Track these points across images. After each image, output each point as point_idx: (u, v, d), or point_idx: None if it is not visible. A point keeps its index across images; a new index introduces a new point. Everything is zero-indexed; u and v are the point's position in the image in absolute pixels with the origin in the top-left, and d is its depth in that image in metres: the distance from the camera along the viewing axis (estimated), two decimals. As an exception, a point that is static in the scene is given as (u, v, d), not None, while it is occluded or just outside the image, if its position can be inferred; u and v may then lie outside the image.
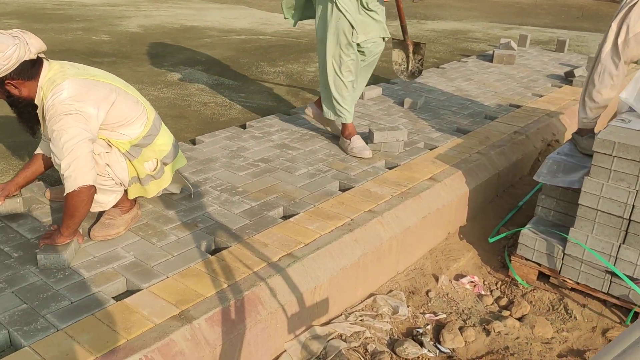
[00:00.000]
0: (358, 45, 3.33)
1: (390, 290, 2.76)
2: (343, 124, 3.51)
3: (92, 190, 2.23)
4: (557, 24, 9.20)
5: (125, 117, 2.37)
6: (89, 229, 2.46)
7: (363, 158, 3.39)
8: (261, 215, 2.72)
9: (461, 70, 5.67)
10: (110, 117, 2.32)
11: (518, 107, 4.47)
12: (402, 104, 4.46)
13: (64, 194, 2.23)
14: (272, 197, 2.90)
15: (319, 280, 2.37)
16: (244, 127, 3.98)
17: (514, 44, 6.10)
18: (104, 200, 2.44)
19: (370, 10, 3.30)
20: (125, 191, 2.54)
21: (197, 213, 2.72)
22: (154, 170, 2.56)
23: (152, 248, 2.41)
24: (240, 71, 5.71)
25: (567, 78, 5.24)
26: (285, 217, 2.76)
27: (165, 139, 2.58)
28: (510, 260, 2.94)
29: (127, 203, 2.56)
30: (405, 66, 3.89)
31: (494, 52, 5.88)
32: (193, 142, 3.70)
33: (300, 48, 6.86)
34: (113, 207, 2.50)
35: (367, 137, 3.57)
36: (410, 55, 3.86)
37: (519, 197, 3.61)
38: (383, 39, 3.46)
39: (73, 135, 2.18)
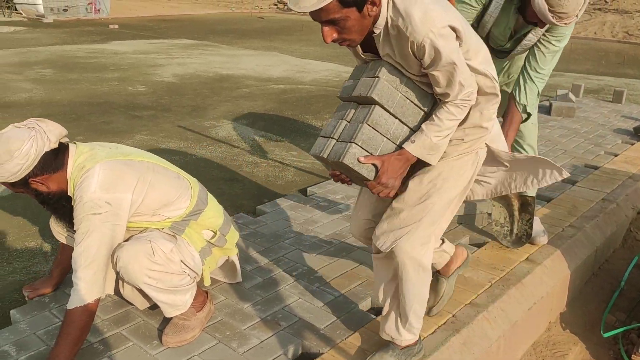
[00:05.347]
0: None
1: (499, 399, 2.38)
2: None
3: (96, 305, 1.94)
4: (600, 70, 8.93)
5: (166, 197, 2.08)
6: (160, 333, 2.14)
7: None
8: (349, 309, 2.38)
9: (519, 124, 5.34)
10: (150, 200, 2.03)
11: (595, 168, 4.13)
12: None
13: (67, 308, 1.90)
14: (356, 285, 2.56)
15: (431, 397, 2.01)
16: (304, 193, 3.68)
17: (572, 96, 5.79)
18: (182, 302, 2.11)
19: None
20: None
21: (276, 307, 2.38)
22: (213, 238, 2.25)
23: (234, 356, 2.07)
24: (286, 125, 5.45)
25: (637, 134, 4.90)
26: (375, 311, 2.42)
27: (213, 211, 2.27)
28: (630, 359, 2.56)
29: (200, 297, 2.23)
30: (509, 228, 2.96)
31: (551, 104, 5.58)
32: (253, 213, 3.40)
33: (343, 99, 6.61)
34: (186, 304, 2.19)
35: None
36: (516, 213, 2.93)
37: (616, 275, 3.24)
38: None
39: (95, 243, 1.90)
